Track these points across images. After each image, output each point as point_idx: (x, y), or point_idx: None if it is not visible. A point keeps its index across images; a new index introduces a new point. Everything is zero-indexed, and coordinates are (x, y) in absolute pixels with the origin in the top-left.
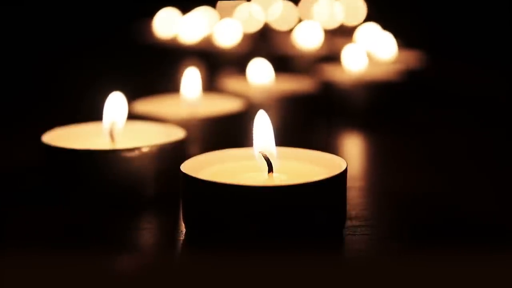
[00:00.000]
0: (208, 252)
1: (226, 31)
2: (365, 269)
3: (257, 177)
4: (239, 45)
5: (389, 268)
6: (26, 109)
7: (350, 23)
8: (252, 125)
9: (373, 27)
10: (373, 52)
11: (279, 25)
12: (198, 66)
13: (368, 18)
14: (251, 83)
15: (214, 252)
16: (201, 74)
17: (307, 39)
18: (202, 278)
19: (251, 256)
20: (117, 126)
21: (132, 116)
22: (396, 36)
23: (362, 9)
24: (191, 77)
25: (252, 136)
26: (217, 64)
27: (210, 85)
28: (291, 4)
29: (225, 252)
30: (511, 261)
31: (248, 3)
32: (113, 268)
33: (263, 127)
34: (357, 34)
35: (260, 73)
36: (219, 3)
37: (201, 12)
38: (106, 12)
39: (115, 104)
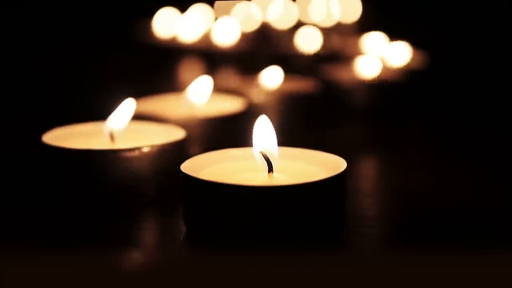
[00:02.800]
0: (208, 252)
1: (225, 30)
2: (365, 269)
3: (257, 177)
4: (238, 44)
5: (389, 268)
6: (26, 109)
7: (347, 21)
8: (252, 125)
9: (380, 36)
10: (385, 58)
11: (279, 24)
12: (197, 65)
13: (364, 16)
14: (251, 83)
15: (214, 252)
16: (200, 74)
17: (307, 39)
18: (202, 278)
19: (251, 256)
20: (118, 127)
21: (132, 116)
22: (395, 35)
23: (358, 7)
24: (203, 84)
25: (252, 137)
26: (216, 63)
27: (213, 86)
28: (291, 2)
29: (225, 252)
30: (511, 262)
31: (246, 2)
32: (113, 268)
33: (264, 129)
34: (365, 42)
35: (261, 73)
36: (217, 3)
37: (199, 10)
38: (106, 12)
39: (124, 108)
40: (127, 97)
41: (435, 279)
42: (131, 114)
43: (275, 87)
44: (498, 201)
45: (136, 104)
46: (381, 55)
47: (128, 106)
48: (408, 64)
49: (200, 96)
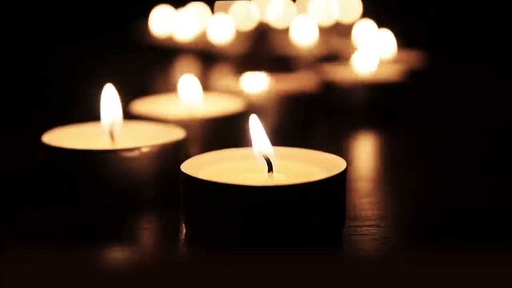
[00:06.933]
0: (208, 252)
1: (221, 29)
2: (365, 269)
3: (257, 177)
4: (236, 43)
5: (390, 268)
6: (26, 109)
7: (345, 21)
8: (250, 126)
9: (370, 25)
10: (373, 51)
11: (279, 24)
12: (194, 65)
13: (364, 16)
14: (249, 83)
15: (214, 252)
16: (199, 74)
17: (304, 36)
18: (202, 278)
19: (251, 256)
20: (116, 125)
21: (132, 116)
22: (396, 36)
23: (357, 7)
24: (189, 84)
25: (249, 138)
26: (214, 62)
27: (210, 85)
28: (290, 2)
29: (225, 252)
30: (511, 262)
31: (245, 1)
32: (113, 268)
33: (257, 130)
34: (354, 31)
35: (258, 74)
36: (217, 3)
37: (195, 9)
38: (104, 11)
39: (110, 100)
40: (126, 96)
41: (435, 279)
42: (118, 101)
43: (274, 87)
44: (498, 201)
45: (136, 104)
46: (373, 48)
47: (110, 94)
48: (398, 59)
49: (192, 95)
